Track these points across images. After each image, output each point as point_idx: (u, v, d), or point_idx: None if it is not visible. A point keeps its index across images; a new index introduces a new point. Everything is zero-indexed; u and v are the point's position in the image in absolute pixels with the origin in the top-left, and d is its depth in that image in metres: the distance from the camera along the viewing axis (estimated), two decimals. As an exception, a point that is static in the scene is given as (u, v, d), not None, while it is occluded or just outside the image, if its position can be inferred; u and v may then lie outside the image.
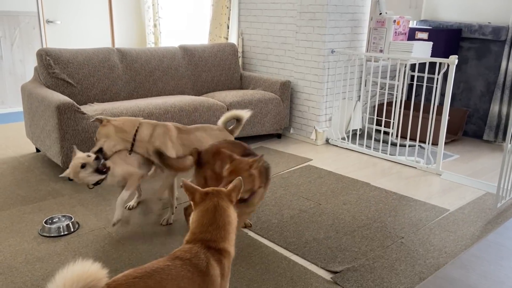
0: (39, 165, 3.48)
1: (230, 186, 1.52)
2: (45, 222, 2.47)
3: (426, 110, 4.11)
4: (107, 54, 3.74)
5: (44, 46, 5.37)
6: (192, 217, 1.49)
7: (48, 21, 5.44)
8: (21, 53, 5.26)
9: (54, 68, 3.46)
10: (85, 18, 5.74)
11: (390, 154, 3.83)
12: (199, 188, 1.49)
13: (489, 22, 4.28)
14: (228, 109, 3.86)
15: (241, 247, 2.34)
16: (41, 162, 3.55)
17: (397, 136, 4.23)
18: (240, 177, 1.54)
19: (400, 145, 4.01)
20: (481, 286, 0.67)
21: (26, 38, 5.27)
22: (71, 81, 3.51)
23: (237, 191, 1.52)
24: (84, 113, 3.11)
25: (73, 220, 2.53)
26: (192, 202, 1.50)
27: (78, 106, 3.11)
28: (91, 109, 3.23)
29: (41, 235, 2.42)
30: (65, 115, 3.01)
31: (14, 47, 5.20)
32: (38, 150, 3.78)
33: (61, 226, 2.45)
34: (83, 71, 3.57)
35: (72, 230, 2.47)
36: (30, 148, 3.87)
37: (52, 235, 2.42)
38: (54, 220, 2.52)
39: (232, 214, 1.49)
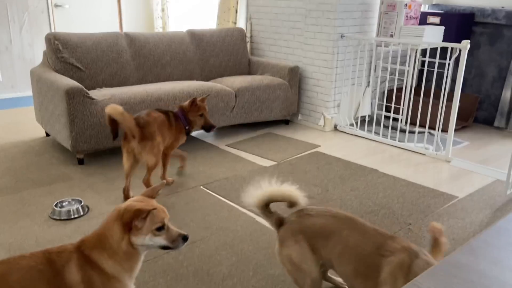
0: (49, 149, 3.51)
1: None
2: (55, 206, 2.50)
3: (437, 96, 4.06)
4: (115, 38, 3.72)
5: (53, 31, 5.37)
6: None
7: (56, 5, 5.43)
8: (30, 38, 5.27)
9: (62, 52, 3.46)
10: (93, 2, 5.71)
11: (399, 141, 3.80)
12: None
13: (502, 7, 4.19)
14: (236, 96, 3.83)
15: (249, 232, 2.36)
16: (51, 146, 3.58)
17: (406, 122, 4.20)
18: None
19: (410, 132, 3.98)
20: (491, 272, 0.67)
21: (35, 22, 5.26)
22: (80, 66, 3.51)
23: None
24: (93, 98, 3.11)
25: (82, 203, 2.56)
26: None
27: (87, 91, 3.11)
28: (100, 94, 3.23)
29: (51, 218, 2.46)
30: (74, 100, 3.02)
31: (23, 32, 5.21)
32: (48, 135, 3.80)
33: (71, 210, 2.48)
34: (91, 56, 3.57)
35: (81, 213, 2.50)
36: (40, 132, 3.90)
37: (62, 218, 2.45)
38: (64, 204, 2.55)
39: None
